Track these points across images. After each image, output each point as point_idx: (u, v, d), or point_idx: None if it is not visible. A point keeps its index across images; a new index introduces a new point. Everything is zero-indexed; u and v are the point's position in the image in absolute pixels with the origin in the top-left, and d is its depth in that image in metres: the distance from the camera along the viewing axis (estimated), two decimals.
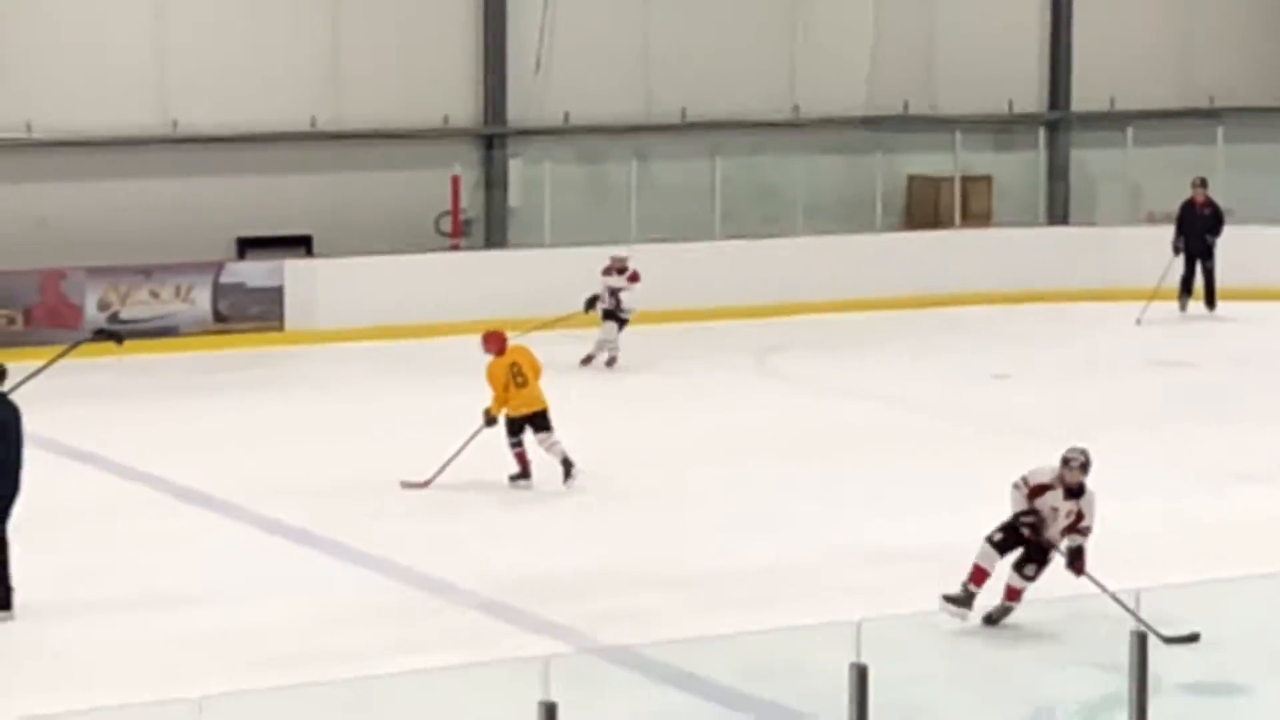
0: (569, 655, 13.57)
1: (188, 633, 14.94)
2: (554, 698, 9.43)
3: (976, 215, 33.67)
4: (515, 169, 31.53)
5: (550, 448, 19.99)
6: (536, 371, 21.13)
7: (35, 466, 21.14)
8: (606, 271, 28.09)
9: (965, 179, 33.84)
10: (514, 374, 20.91)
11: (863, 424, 22.63)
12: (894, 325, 29.78)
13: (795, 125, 33.40)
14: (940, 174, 34.26)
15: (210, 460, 21.23)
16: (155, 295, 28.01)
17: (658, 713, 13.07)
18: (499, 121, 31.56)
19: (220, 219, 30.15)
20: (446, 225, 30.42)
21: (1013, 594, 14.72)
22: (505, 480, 20.23)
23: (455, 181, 30.55)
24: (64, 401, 24.63)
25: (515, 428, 20.60)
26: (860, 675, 9.92)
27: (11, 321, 28.30)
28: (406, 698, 11.57)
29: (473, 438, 20.12)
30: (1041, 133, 34.99)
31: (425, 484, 19.41)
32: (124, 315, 28.95)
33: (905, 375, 26.15)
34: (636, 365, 26.88)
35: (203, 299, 28.24)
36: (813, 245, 32.30)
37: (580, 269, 29.05)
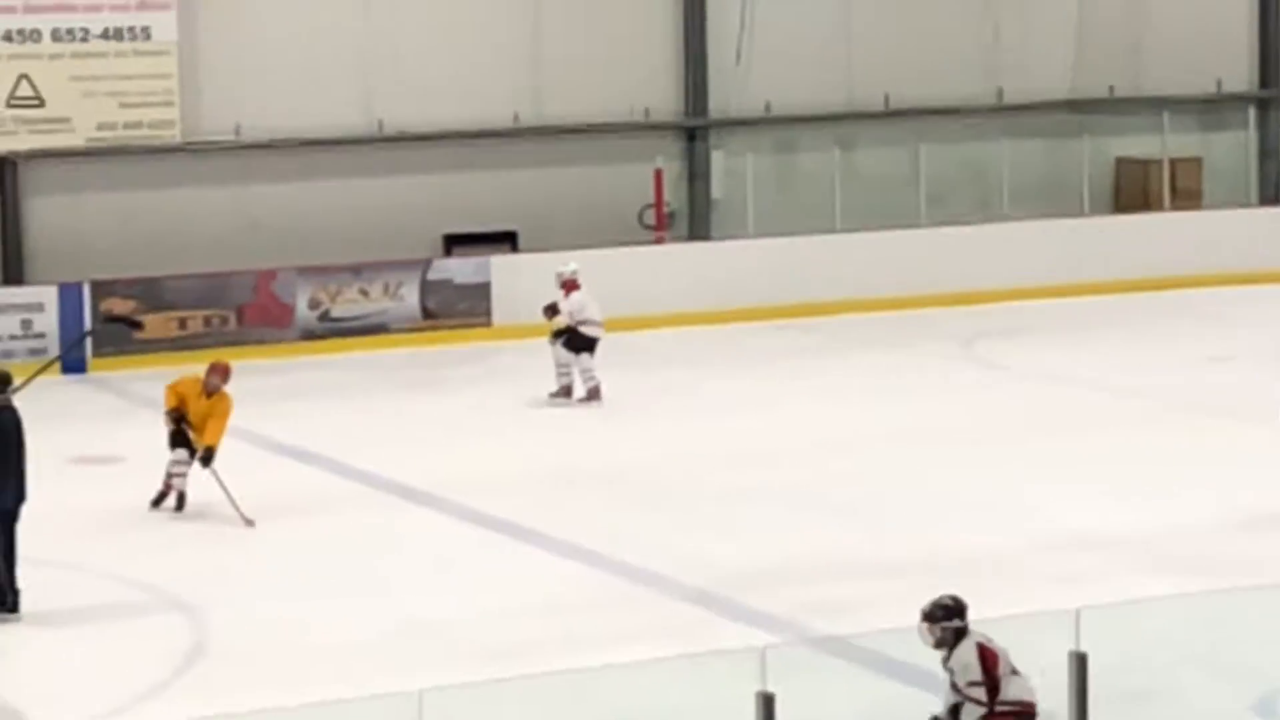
0: (783, 646, 13.54)
1: (403, 626, 15.21)
2: (770, 688, 9.42)
3: (1186, 197, 33.25)
4: (717, 161, 31.54)
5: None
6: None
7: (251, 463, 21.63)
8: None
9: (1174, 160, 33.30)
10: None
11: (1073, 409, 22.45)
12: (1104, 309, 29.53)
13: (999, 110, 33.18)
14: (1148, 156, 33.66)
15: (421, 454, 21.45)
16: (365, 293, 28.51)
17: (873, 703, 13.00)
18: (701, 113, 31.72)
19: (427, 216, 30.60)
20: (650, 218, 30.47)
21: None
22: (716, 475, 19.88)
23: (658, 175, 30.56)
24: (278, 399, 25.30)
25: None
26: (1080, 663, 9.85)
27: (225, 321, 28.75)
28: (622, 689, 11.69)
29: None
30: (1251, 112, 34.24)
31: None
32: (334, 314, 29.45)
33: (1116, 360, 25.88)
34: (843, 352, 26.67)
35: (411, 296, 28.63)
36: (1020, 230, 31.97)
37: (784, 260, 29.12)
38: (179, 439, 20.49)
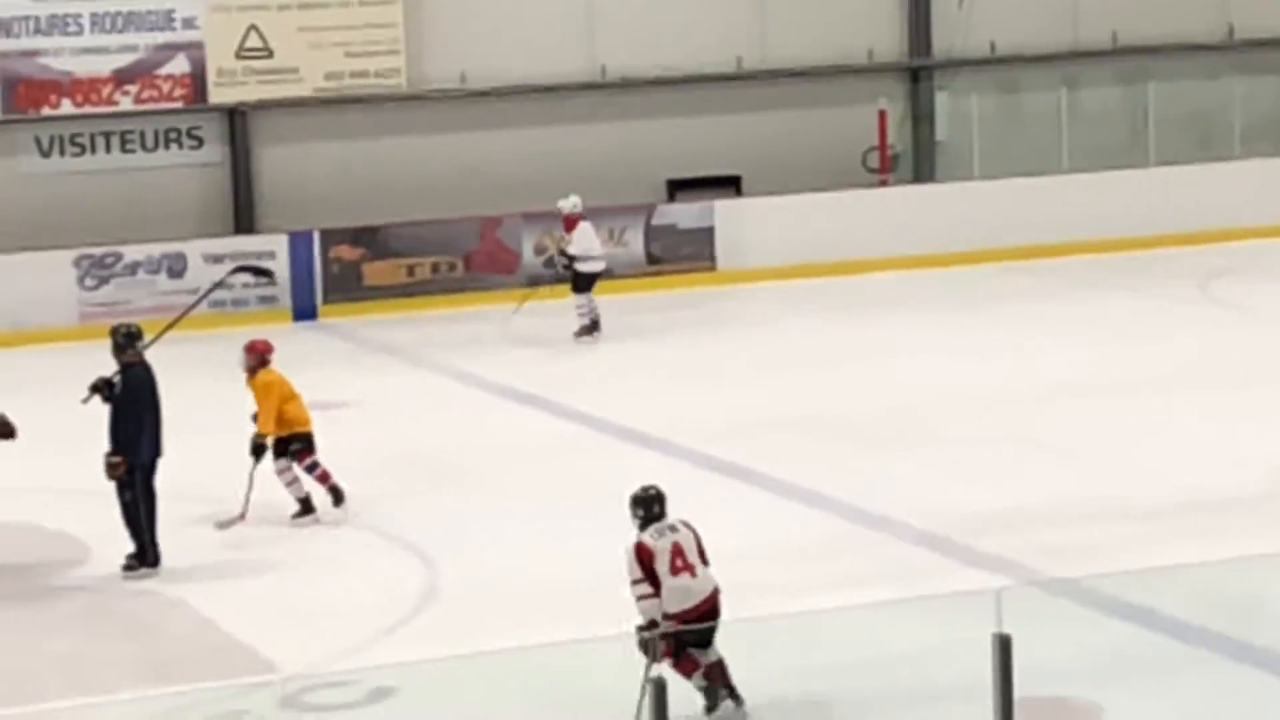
0: (1018, 588, 13.50)
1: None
2: (1006, 630, 9.40)
3: None
4: (941, 102, 31.37)
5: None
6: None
7: (480, 408, 22.42)
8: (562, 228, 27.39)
9: None
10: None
11: None
12: None
13: (1230, 47, 32.69)
14: None
15: (646, 400, 21.64)
16: None
17: (1107, 646, 12.91)
18: (924, 54, 31.57)
19: (650, 162, 30.67)
20: (874, 161, 30.37)
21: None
22: (946, 419, 19.77)
23: (882, 116, 30.54)
24: (504, 345, 25.90)
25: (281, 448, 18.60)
26: None
27: (452, 268, 29.18)
28: (856, 631, 11.93)
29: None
30: None
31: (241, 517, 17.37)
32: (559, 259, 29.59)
33: None
34: (1072, 294, 26.42)
35: (635, 242, 28.80)
36: (1251, 169, 31.46)
37: (1010, 201, 28.98)
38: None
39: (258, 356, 18.90)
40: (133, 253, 28.74)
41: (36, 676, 14.11)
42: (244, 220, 31.10)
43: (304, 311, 29.27)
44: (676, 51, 31.02)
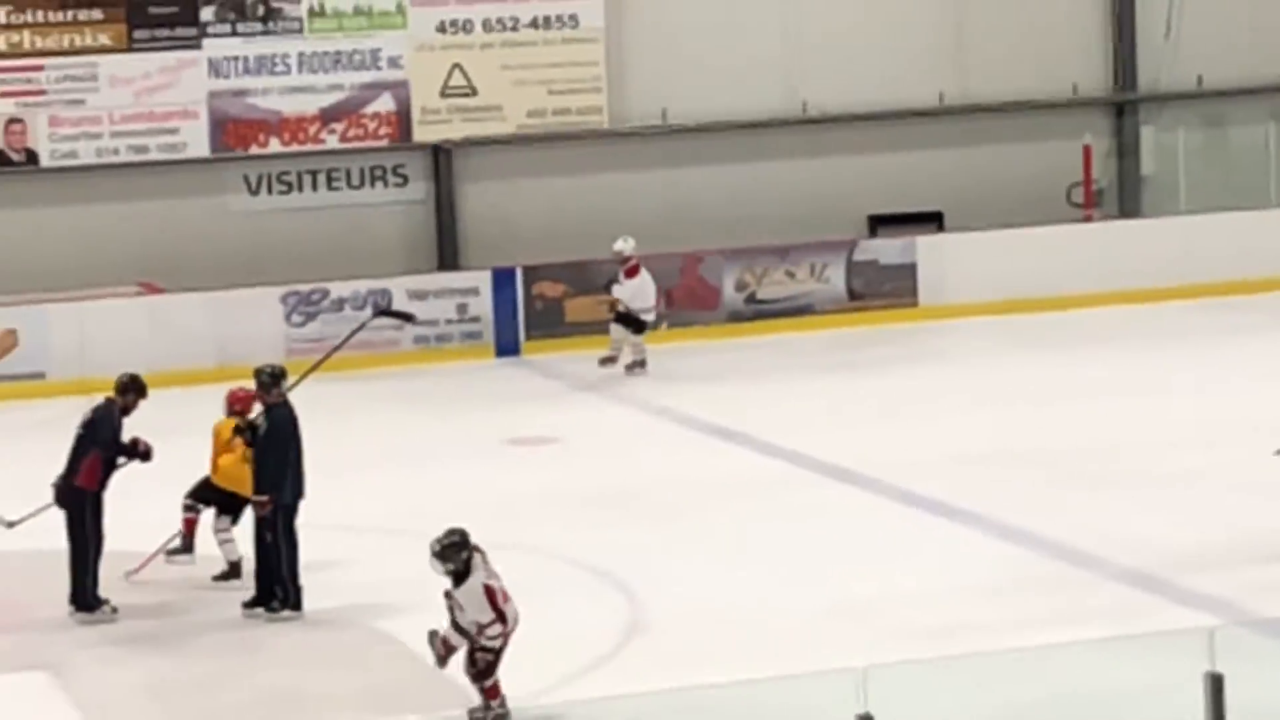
0: (1228, 627, 13.05)
1: (836, 606, 15.34)
2: (1218, 669, 9.30)
3: None
4: (1147, 136, 31.39)
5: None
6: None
7: (680, 443, 22.38)
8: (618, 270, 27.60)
9: None
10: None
11: None
12: None
13: None
14: None
15: (848, 435, 21.60)
16: (791, 275, 28.75)
17: None
18: (1130, 88, 31.50)
19: (852, 197, 30.72)
20: (1079, 196, 30.38)
21: None
22: (1152, 455, 19.38)
23: (1086, 151, 30.50)
24: (705, 381, 25.86)
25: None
26: None
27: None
28: (1065, 670, 11.76)
29: None
30: None
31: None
32: (760, 295, 29.56)
33: None
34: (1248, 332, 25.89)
35: (837, 277, 28.78)
36: None
37: (1217, 236, 28.86)
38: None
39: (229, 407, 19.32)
40: (339, 289, 29.03)
41: (252, 708, 14.31)
42: (448, 257, 31.42)
43: (507, 347, 29.37)
44: (878, 87, 31.15)
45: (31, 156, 30.60)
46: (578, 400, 26.20)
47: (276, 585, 16.48)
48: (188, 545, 18.19)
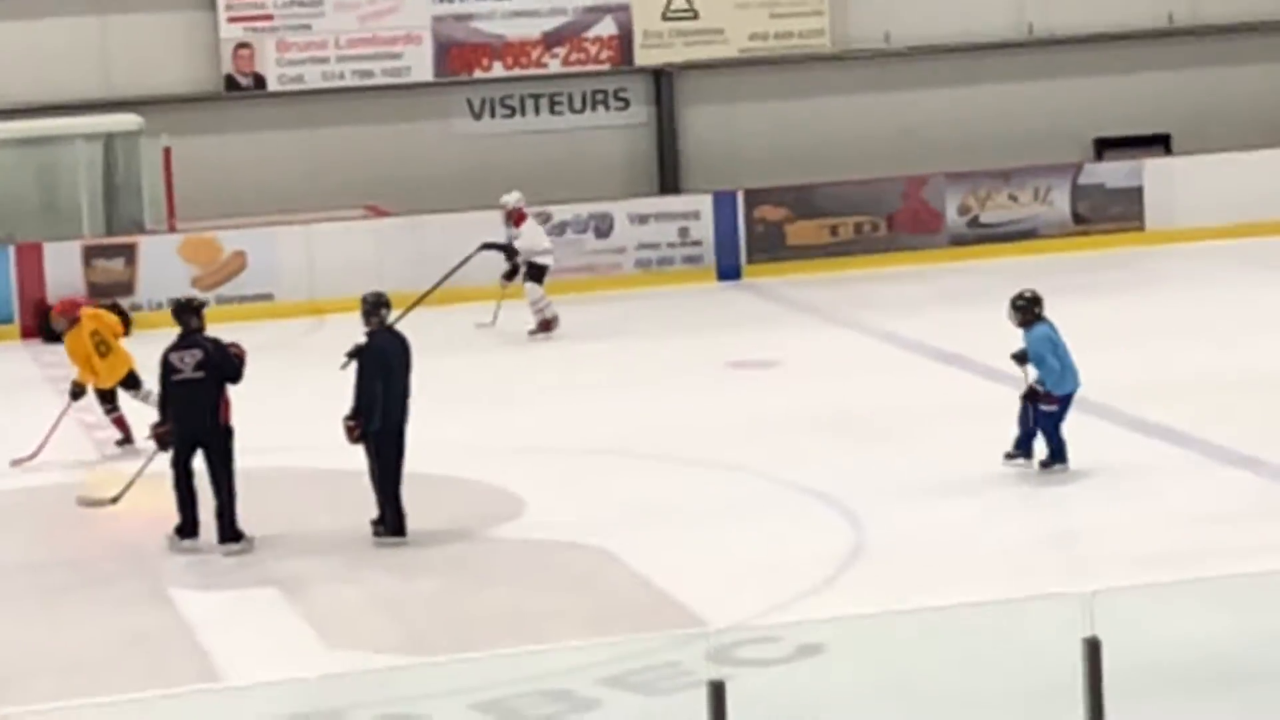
0: None
1: (1062, 531, 15.38)
2: None
3: None
4: None
5: (145, 399, 19.67)
6: (117, 334, 20.98)
7: (903, 367, 22.35)
8: (506, 223, 27.11)
9: None
10: (96, 343, 20.70)
11: None
12: None
13: None
14: None
15: (1076, 360, 20.74)
16: (1014, 199, 28.57)
17: None
18: None
19: (1077, 120, 30.41)
20: None
21: None
22: None
23: None
24: (928, 305, 25.69)
25: (108, 396, 20.64)
26: None
27: (875, 228, 29.03)
28: None
29: (63, 413, 20.42)
30: None
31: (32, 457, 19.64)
32: (983, 219, 29.33)
33: None
34: None
35: (1061, 201, 28.51)
36: None
37: None
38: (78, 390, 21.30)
39: (65, 319, 21.30)
40: (561, 213, 29.08)
41: (478, 624, 14.48)
42: (669, 181, 31.52)
43: (728, 271, 29.43)
44: (1106, 8, 30.78)
45: (259, 81, 31.06)
46: (799, 324, 26.15)
47: (381, 510, 16.60)
48: (128, 437, 20.08)
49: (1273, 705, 10.86)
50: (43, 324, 27.63)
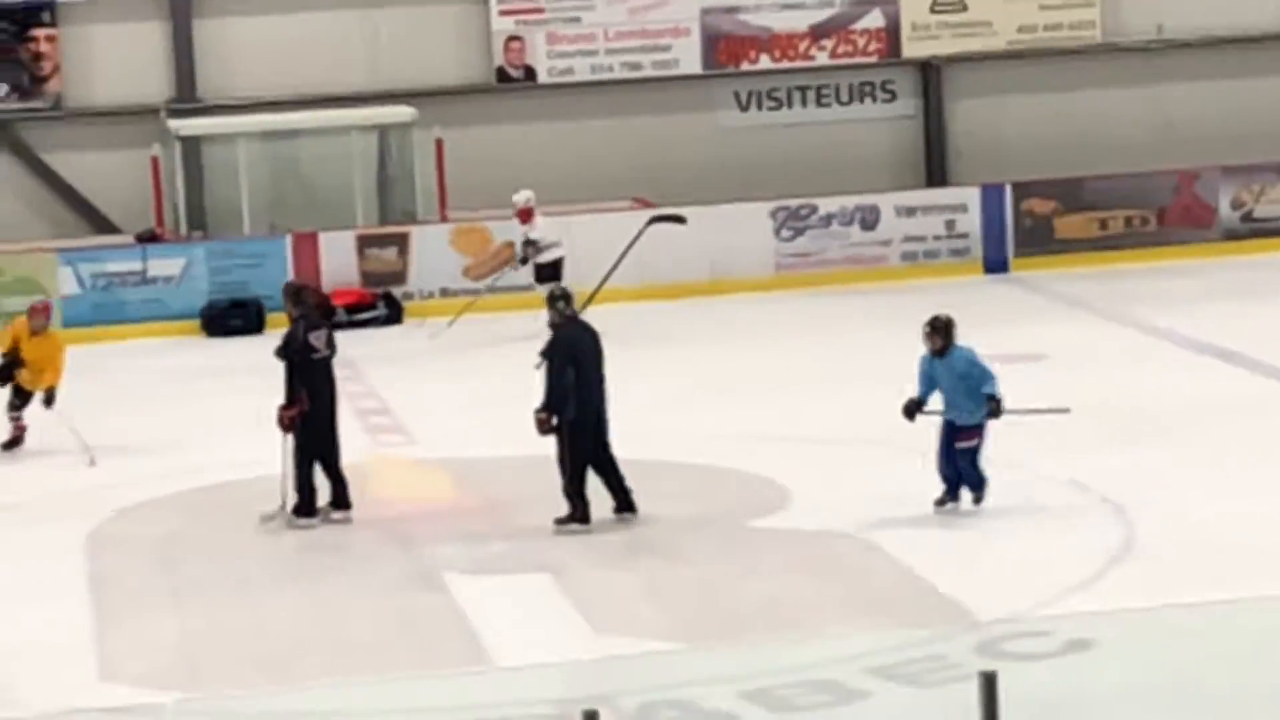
0: None
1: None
2: None
3: None
4: None
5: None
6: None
7: (1175, 363, 22.04)
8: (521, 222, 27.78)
9: None
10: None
11: None
12: None
13: None
14: None
15: None
16: None
17: None
18: None
19: None
20: None
21: None
22: None
23: None
24: (1201, 300, 25.33)
25: (28, 398, 21.22)
26: None
27: (1145, 222, 28.70)
28: None
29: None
30: None
31: None
32: (1258, 213, 28.90)
33: None
34: None
35: None
36: None
37: None
38: (5, 378, 21.79)
39: (46, 316, 21.95)
40: (827, 205, 29.07)
41: (744, 613, 14.48)
42: (936, 173, 31.43)
43: (995, 264, 29.22)
44: None
45: (530, 73, 31.37)
46: (1067, 317, 25.96)
47: (565, 499, 16.63)
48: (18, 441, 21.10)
49: None
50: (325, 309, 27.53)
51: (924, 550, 16.11)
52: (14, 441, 21.75)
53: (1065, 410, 18.03)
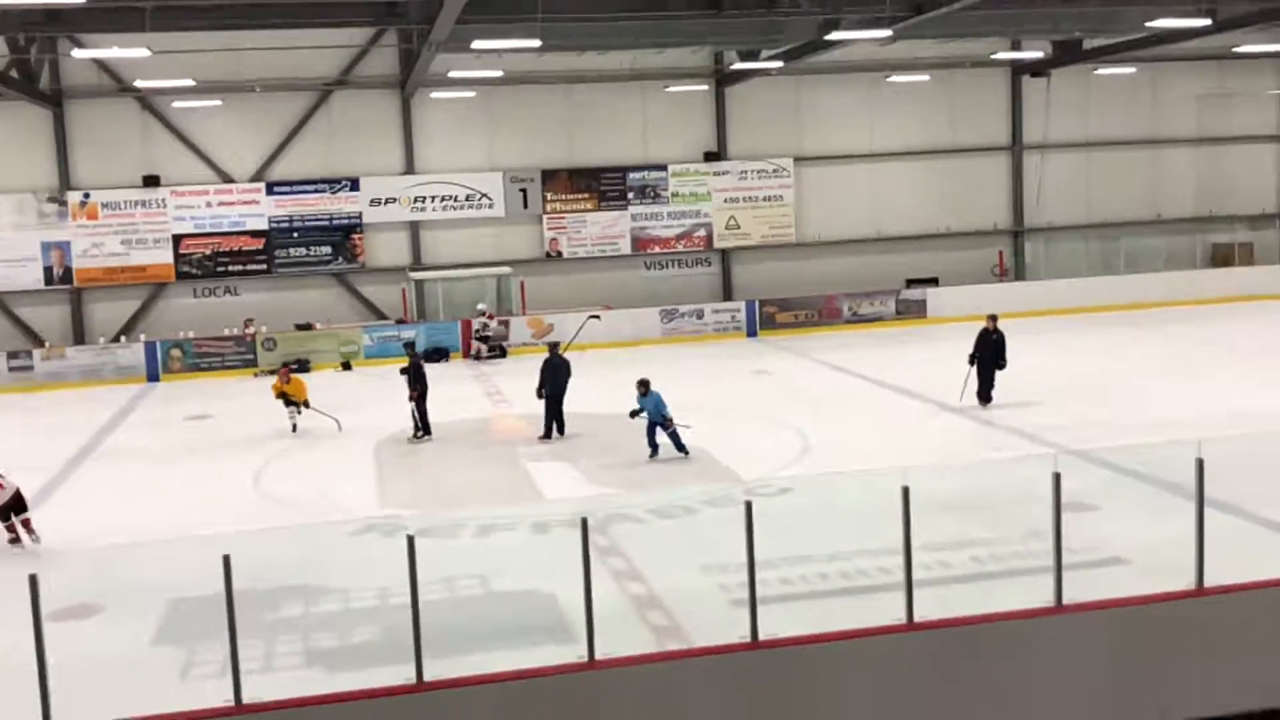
0: None
1: None
2: None
3: None
4: None
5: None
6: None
7: (823, 376, 28.32)
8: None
9: None
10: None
11: None
12: None
13: None
14: None
15: None
16: None
17: None
18: None
19: None
20: None
21: None
22: None
23: None
24: (839, 349, 33.17)
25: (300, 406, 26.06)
26: None
27: (811, 316, 38.81)
28: None
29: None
30: None
31: None
32: (860, 312, 39.01)
33: None
34: None
35: None
36: None
37: None
38: (288, 403, 26.45)
39: (285, 377, 26.74)
40: (685, 309, 39.01)
41: (640, 482, 19.49)
42: (728, 294, 42.44)
43: (751, 333, 38.99)
44: None
45: (559, 254, 41.53)
46: (781, 356, 33.22)
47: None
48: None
49: None
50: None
51: (717, 452, 22.02)
52: (294, 426, 26.53)
53: (688, 425, 22.04)
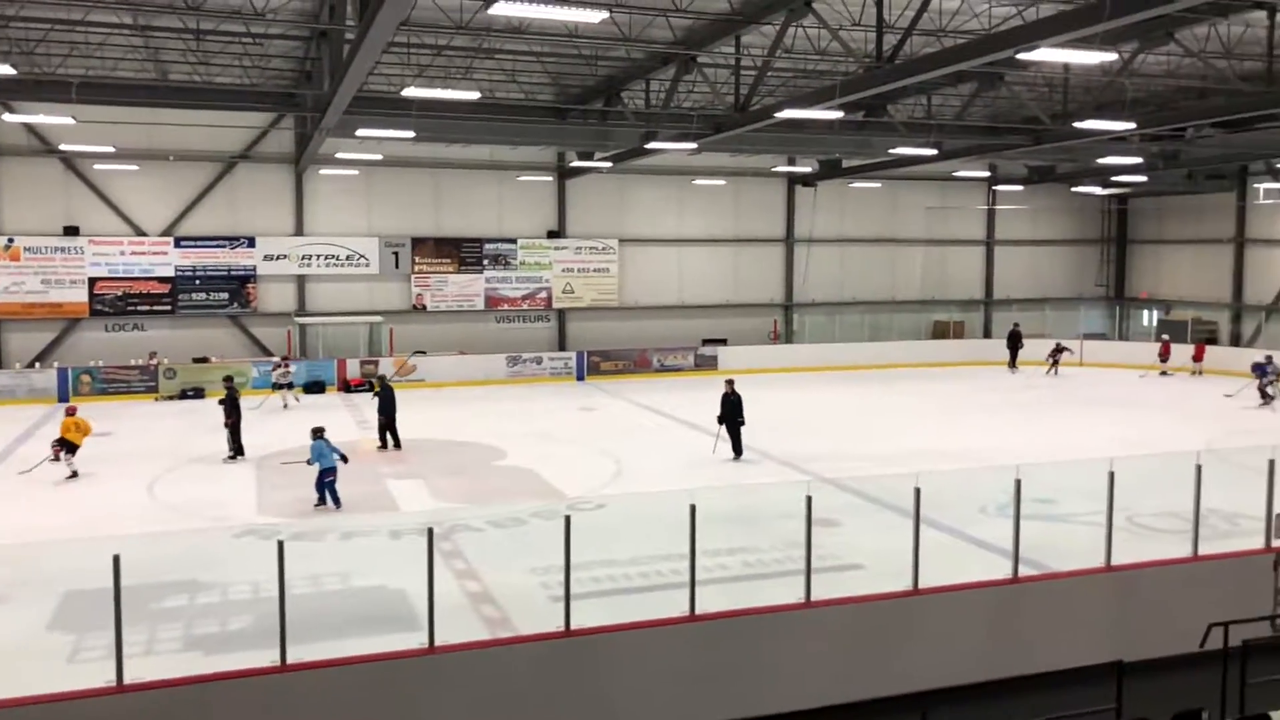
0: None
1: None
2: None
3: None
4: None
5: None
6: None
7: (632, 415, 27.67)
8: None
9: None
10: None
11: None
12: None
13: None
14: None
15: None
16: None
17: None
18: None
19: None
20: None
21: None
22: None
23: None
24: (650, 393, 33.16)
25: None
26: None
27: (630, 365, 38.76)
28: None
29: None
30: None
31: None
32: (666, 363, 39.41)
33: None
34: None
35: None
36: None
37: None
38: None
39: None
40: (526, 356, 38.86)
41: (514, 495, 18.34)
42: (561, 345, 42.14)
43: (580, 377, 38.40)
44: None
45: (424, 306, 40.40)
46: (606, 399, 32.81)
47: None
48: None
49: None
50: None
51: (546, 474, 21.70)
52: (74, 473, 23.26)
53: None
